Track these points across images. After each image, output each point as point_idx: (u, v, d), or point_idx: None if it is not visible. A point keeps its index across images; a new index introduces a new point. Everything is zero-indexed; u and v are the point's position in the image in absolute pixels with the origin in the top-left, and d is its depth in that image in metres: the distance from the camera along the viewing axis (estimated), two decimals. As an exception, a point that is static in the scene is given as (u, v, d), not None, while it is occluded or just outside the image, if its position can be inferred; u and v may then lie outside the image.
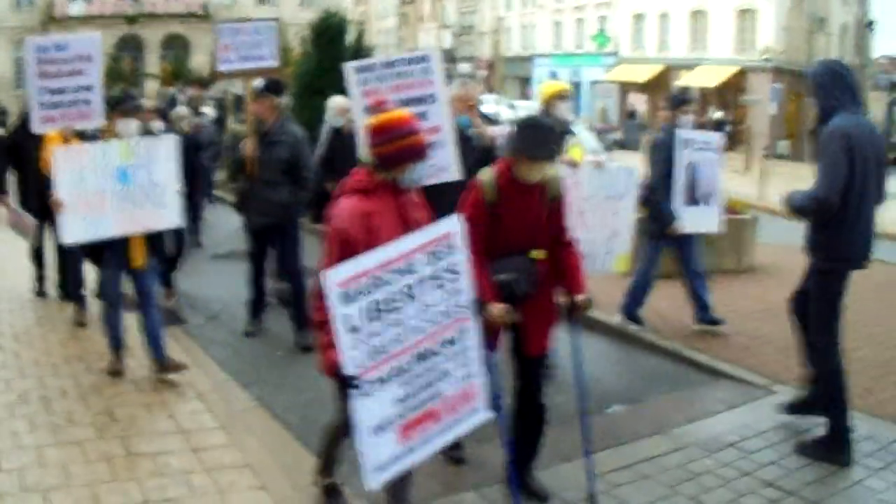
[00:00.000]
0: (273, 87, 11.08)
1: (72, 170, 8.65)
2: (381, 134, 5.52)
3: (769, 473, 7.44)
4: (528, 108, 51.47)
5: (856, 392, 8.21)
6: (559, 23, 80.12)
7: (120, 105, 9.36)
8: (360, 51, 23.87)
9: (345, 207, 5.45)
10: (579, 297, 6.45)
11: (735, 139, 48.68)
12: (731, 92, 56.99)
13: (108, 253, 9.11)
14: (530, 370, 6.72)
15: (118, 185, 8.80)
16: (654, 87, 62.49)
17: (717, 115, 49.31)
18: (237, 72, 11.58)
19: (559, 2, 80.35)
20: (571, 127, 10.43)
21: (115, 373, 9.38)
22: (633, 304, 11.81)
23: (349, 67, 8.84)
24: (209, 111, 27.70)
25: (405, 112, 5.75)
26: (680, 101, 11.59)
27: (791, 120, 53.88)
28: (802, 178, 10.01)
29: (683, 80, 60.03)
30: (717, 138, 11.62)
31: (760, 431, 8.36)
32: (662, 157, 11.14)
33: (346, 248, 5.23)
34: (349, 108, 11.59)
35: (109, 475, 6.96)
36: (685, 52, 63.19)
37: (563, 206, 6.67)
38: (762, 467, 7.57)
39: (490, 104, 51.70)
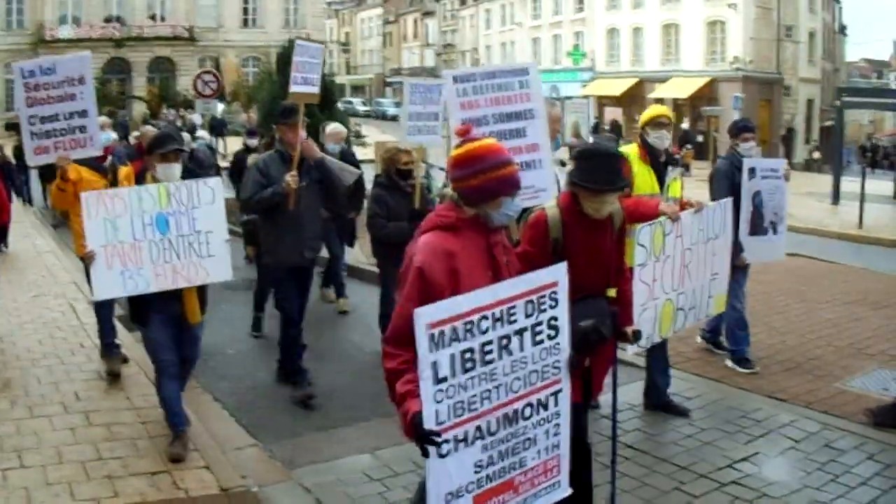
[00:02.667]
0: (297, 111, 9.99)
1: (104, 217, 7.57)
2: (468, 165, 4.91)
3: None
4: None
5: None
6: (537, 39, 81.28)
7: (159, 147, 7.98)
8: (322, 79, 24.80)
9: (426, 245, 4.83)
10: (630, 329, 6.12)
11: (706, 148, 49.63)
12: (703, 102, 58.13)
13: (153, 311, 7.94)
14: (582, 412, 6.10)
15: (157, 234, 7.73)
16: (629, 100, 63.83)
17: (684, 125, 50.12)
18: (303, 94, 10.26)
19: (536, 19, 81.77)
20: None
21: (178, 459, 7.85)
22: (740, 346, 10.99)
23: (448, 76, 8.41)
24: (205, 134, 28.52)
25: (493, 140, 5.20)
26: (741, 127, 11.08)
27: (762, 126, 54.98)
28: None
29: (657, 92, 61.30)
30: (783, 165, 10.90)
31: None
32: (725, 186, 10.33)
33: (426, 291, 4.63)
34: (345, 135, 12.75)
35: None
36: (658, 64, 64.40)
37: (624, 235, 6.43)
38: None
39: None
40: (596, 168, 5.98)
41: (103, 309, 10.32)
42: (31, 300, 14.03)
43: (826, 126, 52.88)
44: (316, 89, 10.55)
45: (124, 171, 8.87)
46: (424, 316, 4.15)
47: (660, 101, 61.67)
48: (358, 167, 12.61)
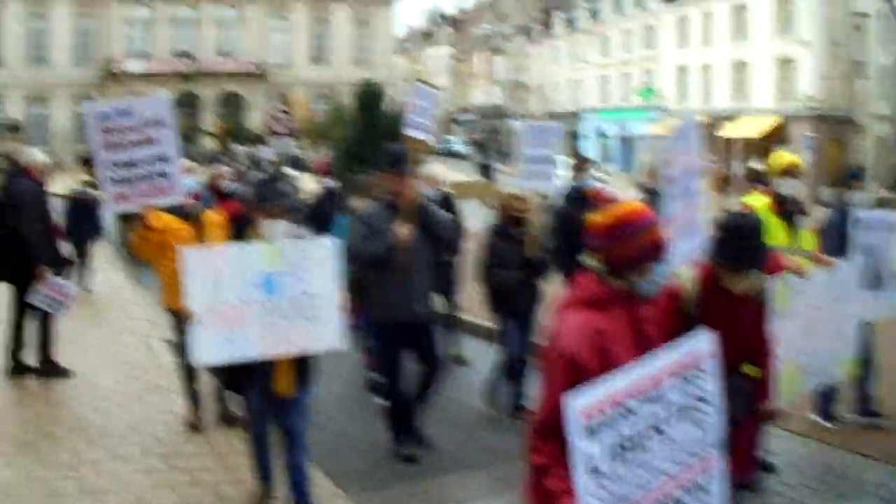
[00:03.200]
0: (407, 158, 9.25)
1: (206, 275, 7.00)
2: (615, 231, 4.48)
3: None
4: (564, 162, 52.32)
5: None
6: (606, 77, 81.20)
7: (265, 201, 7.44)
8: (397, 118, 24.63)
9: (573, 325, 4.38)
10: (769, 406, 6.04)
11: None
12: (773, 141, 57.54)
13: (249, 378, 7.50)
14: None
15: (263, 295, 7.08)
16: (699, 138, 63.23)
17: (756, 165, 49.61)
18: (417, 141, 9.81)
19: (605, 57, 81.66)
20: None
21: None
22: (865, 400, 10.45)
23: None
24: (292, 172, 28.02)
25: (637, 202, 4.88)
26: (853, 175, 10.69)
27: (832, 165, 54.18)
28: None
29: (726, 130, 60.86)
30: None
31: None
32: (835, 238, 9.77)
33: (575, 376, 4.16)
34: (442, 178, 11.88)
35: None
36: (728, 102, 63.82)
37: (768, 311, 6.18)
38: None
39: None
40: (741, 246, 5.69)
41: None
42: (107, 338, 13.95)
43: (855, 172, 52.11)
44: (429, 137, 10.12)
45: (215, 219, 8.85)
46: (577, 403, 3.70)
47: (729, 140, 61.62)
48: (458, 214, 12.35)
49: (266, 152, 44.90)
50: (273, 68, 77.76)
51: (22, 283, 11.35)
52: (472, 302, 13.14)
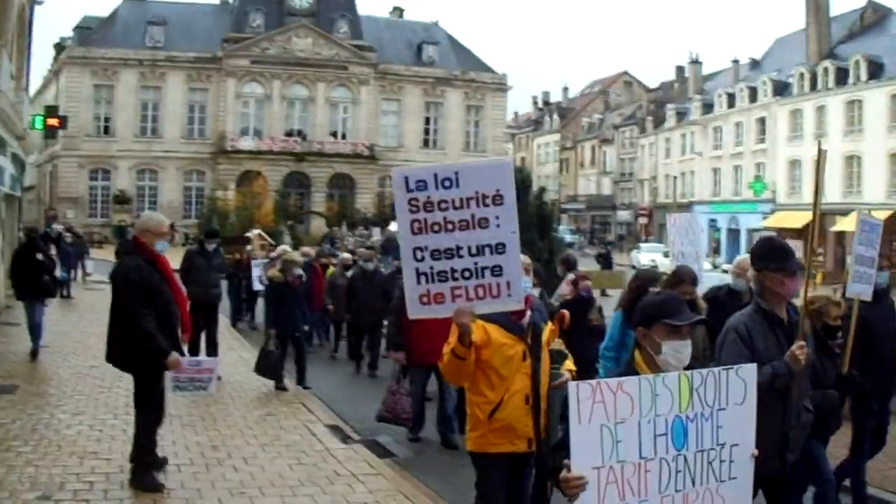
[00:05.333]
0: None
1: (602, 423, 4.63)
2: None
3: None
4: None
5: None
6: (717, 169, 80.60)
7: (670, 314, 5.20)
8: (542, 206, 24.41)
9: None
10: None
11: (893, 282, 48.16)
12: (886, 235, 56.54)
13: None
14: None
15: (672, 449, 4.89)
16: (810, 233, 62.40)
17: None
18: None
19: (717, 149, 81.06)
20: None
21: None
22: None
23: None
24: None
25: None
26: None
27: (945, 261, 53.02)
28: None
29: (839, 225, 59.92)
30: None
31: None
32: None
33: None
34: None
35: None
36: (840, 196, 62.88)
37: None
38: None
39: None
40: None
41: None
42: (262, 419, 13.48)
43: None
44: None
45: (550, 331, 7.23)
46: None
47: (842, 234, 60.70)
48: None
49: (376, 234, 45.03)
50: (384, 151, 78.84)
51: (146, 375, 9.62)
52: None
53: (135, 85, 73.64)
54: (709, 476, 5.02)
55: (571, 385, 4.55)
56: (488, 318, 6.63)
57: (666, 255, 56.51)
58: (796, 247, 34.15)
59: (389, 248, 34.31)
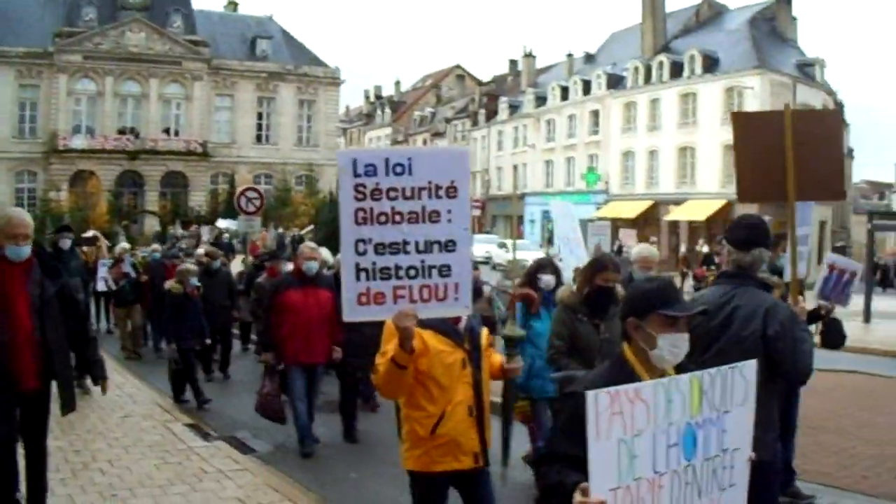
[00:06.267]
0: None
1: (619, 437, 4.04)
2: None
3: None
4: (523, 246, 53.06)
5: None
6: (550, 161, 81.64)
7: (665, 304, 4.61)
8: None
9: None
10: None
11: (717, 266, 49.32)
12: (719, 225, 58.09)
13: None
14: None
15: (682, 460, 4.40)
16: (643, 221, 63.84)
17: (705, 248, 49.94)
18: None
19: (550, 141, 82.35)
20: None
21: None
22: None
23: None
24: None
25: None
26: None
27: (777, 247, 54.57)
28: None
29: (672, 214, 61.41)
30: None
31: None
32: None
33: None
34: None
35: None
36: (673, 187, 64.52)
37: None
38: None
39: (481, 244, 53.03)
40: None
41: None
42: (121, 422, 13.31)
43: (838, 246, 52.89)
44: None
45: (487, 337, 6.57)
46: None
47: (675, 223, 62.17)
48: None
49: (205, 232, 44.43)
50: (217, 147, 77.83)
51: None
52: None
53: (-40, 83, 70.68)
54: (713, 485, 4.64)
55: (590, 396, 3.91)
56: (423, 323, 5.79)
57: (501, 245, 57.24)
58: (629, 235, 34.91)
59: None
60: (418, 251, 5.56)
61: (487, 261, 58.23)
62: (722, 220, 57.90)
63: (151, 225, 67.28)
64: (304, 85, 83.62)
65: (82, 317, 8.07)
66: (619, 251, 56.78)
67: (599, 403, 3.94)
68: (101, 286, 21.85)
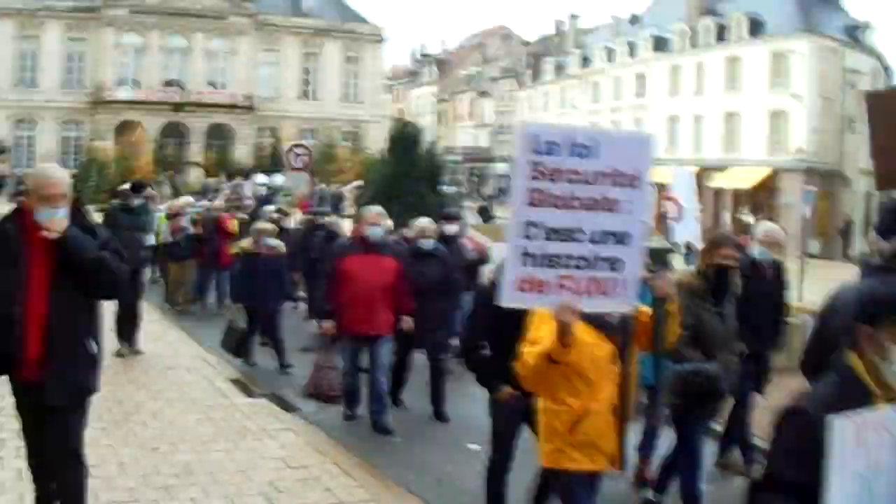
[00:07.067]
0: None
1: (856, 470, 3.55)
2: None
3: None
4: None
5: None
6: (595, 124, 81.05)
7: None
8: (432, 159, 24.26)
9: None
10: None
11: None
12: (763, 193, 57.57)
13: None
14: None
15: None
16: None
17: (750, 218, 49.40)
18: None
19: (595, 103, 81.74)
20: None
21: None
22: None
23: None
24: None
25: None
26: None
27: (822, 219, 54.08)
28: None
29: (716, 181, 60.82)
30: None
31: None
32: None
33: None
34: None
35: None
36: (719, 153, 63.79)
37: None
38: None
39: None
40: None
41: None
42: (163, 374, 13.38)
43: (885, 219, 52.32)
44: None
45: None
46: None
47: (719, 190, 61.59)
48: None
49: (248, 187, 44.19)
50: (262, 101, 77.67)
51: None
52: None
53: (12, 34, 70.99)
54: None
55: (836, 424, 3.46)
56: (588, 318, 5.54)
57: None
58: (673, 204, 32.22)
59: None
60: (592, 241, 5.20)
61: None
62: (767, 189, 57.43)
63: (196, 176, 67.32)
64: (349, 42, 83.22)
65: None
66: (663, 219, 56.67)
67: (845, 433, 3.52)
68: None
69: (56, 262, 6.04)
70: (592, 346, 5.67)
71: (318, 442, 10.22)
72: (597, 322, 5.66)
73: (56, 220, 5.94)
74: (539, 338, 5.45)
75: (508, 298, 5.18)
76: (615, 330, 5.78)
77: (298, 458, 9.46)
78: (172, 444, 9.63)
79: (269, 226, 16.04)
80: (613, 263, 5.21)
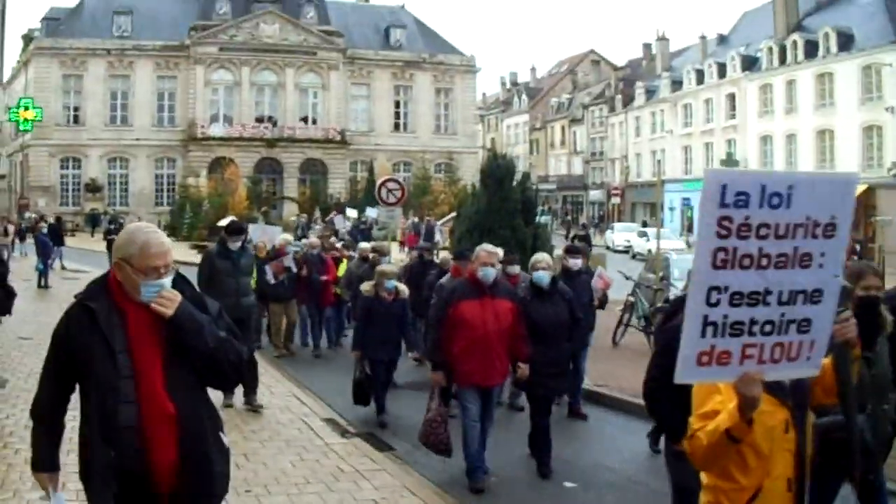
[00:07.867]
0: None
1: None
2: None
3: None
4: (664, 235, 51.92)
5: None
6: (688, 147, 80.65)
7: None
8: (526, 191, 24.26)
9: None
10: None
11: (865, 257, 48.07)
12: (859, 210, 56.66)
13: None
14: None
15: None
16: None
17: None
18: None
19: (687, 126, 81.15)
20: None
21: None
22: None
23: None
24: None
25: None
26: None
27: (918, 236, 53.14)
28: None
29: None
30: None
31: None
32: None
33: None
34: None
35: None
36: (813, 171, 62.99)
37: None
38: None
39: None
40: None
41: None
42: (257, 413, 13.30)
43: None
44: None
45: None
46: None
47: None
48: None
49: (339, 221, 44.53)
50: (355, 136, 78.87)
51: None
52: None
53: (103, 74, 73.62)
54: None
55: None
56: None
57: (641, 235, 56.66)
58: None
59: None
60: (780, 303, 4.32)
61: (627, 250, 57.76)
62: (863, 206, 56.53)
63: (291, 211, 67.93)
64: (440, 73, 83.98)
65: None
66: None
67: None
68: (270, 279, 18.77)
69: (168, 345, 4.88)
70: (764, 414, 4.58)
71: (412, 483, 10.06)
72: (767, 386, 4.51)
73: (167, 295, 4.84)
74: (711, 412, 4.64)
75: (688, 375, 4.36)
76: (787, 393, 4.86)
77: (392, 500, 9.40)
78: (265, 487, 9.60)
79: (391, 268, 14.98)
80: (801, 325, 4.42)
